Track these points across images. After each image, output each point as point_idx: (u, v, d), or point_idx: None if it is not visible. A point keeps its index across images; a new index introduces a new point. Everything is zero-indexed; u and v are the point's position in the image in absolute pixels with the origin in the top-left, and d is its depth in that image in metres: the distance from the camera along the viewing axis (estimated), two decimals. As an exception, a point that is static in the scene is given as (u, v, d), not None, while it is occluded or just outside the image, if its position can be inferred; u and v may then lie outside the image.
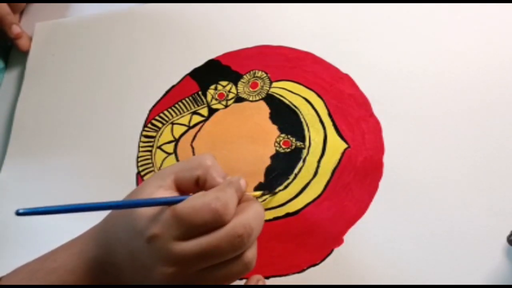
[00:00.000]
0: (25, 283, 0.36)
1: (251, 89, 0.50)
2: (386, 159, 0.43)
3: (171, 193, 0.33)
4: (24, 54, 0.61)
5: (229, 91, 0.50)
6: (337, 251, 0.40)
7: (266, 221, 0.43)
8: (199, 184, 0.34)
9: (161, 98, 0.52)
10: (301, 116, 0.47)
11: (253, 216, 0.33)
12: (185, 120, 0.50)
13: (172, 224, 0.31)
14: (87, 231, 0.38)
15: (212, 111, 0.49)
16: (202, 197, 0.32)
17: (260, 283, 0.39)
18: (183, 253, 0.31)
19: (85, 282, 0.35)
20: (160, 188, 0.33)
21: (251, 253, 0.33)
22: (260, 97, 0.49)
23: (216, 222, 0.31)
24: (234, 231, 0.31)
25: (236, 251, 0.32)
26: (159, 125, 0.50)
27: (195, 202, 0.31)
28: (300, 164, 0.44)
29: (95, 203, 0.31)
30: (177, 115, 0.50)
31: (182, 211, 0.31)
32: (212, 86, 0.51)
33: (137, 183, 0.48)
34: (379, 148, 0.43)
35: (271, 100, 0.48)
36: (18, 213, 0.29)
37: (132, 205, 0.32)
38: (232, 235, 0.31)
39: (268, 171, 0.45)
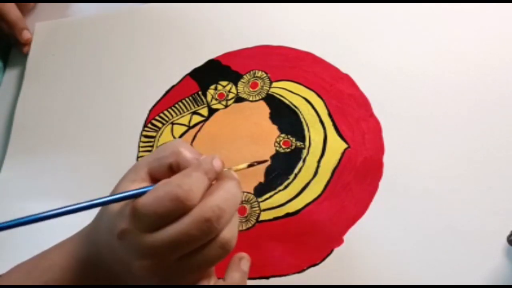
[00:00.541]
0: (21, 283, 0.36)
1: (251, 89, 0.50)
2: (386, 159, 0.43)
3: (145, 186, 0.33)
4: (24, 54, 0.61)
5: (229, 91, 0.50)
6: (337, 251, 0.40)
7: (266, 221, 0.43)
8: (174, 170, 0.33)
9: (161, 98, 0.52)
10: (301, 116, 0.47)
11: (223, 197, 0.31)
12: (185, 120, 0.50)
13: (137, 217, 0.31)
14: (80, 230, 0.38)
15: (212, 111, 0.49)
16: (164, 186, 0.31)
17: (244, 261, 0.38)
18: (154, 245, 0.30)
19: (80, 280, 0.35)
20: (134, 182, 0.33)
21: (228, 234, 0.32)
22: (260, 97, 0.49)
23: (180, 209, 0.30)
24: (200, 216, 0.30)
25: (208, 235, 0.31)
26: (159, 125, 0.50)
27: (157, 193, 0.31)
28: (300, 164, 0.44)
29: (63, 207, 0.32)
30: (177, 115, 0.50)
31: (145, 203, 0.30)
32: (212, 86, 0.51)
33: (137, 183, 0.48)
34: (379, 148, 0.43)
35: (271, 100, 0.48)
36: None
37: (99, 204, 0.32)
38: (199, 220, 0.30)
39: (268, 171, 0.45)
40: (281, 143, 0.46)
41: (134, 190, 0.32)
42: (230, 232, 0.32)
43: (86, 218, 0.42)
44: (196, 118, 0.49)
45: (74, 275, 0.35)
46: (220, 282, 0.36)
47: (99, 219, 0.35)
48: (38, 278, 0.36)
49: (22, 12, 0.61)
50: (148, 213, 0.30)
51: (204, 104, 0.50)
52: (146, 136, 0.50)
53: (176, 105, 0.51)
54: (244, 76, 0.50)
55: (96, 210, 0.35)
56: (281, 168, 0.45)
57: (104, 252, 0.34)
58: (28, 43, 0.60)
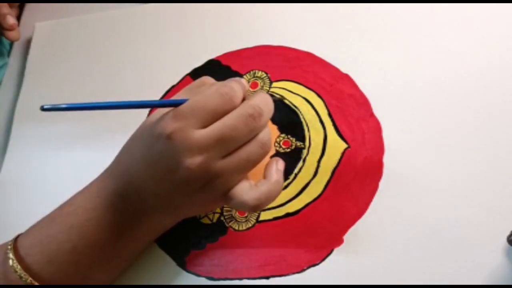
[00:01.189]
0: (45, 231, 0.37)
1: (251, 89, 0.50)
2: (386, 159, 0.43)
3: None
4: (24, 54, 0.61)
5: (229, 91, 0.50)
6: (337, 251, 0.40)
7: (266, 221, 0.43)
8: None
9: (161, 98, 0.52)
10: (301, 116, 0.47)
11: (260, 99, 0.35)
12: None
13: (188, 115, 0.33)
14: (100, 174, 0.39)
15: (212, 111, 0.49)
16: (210, 86, 0.35)
17: (280, 162, 0.40)
18: (205, 139, 0.33)
19: (105, 219, 0.36)
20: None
21: (265, 134, 0.35)
22: (260, 97, 0.49)
23: (226, 104, 0.34)
24: (245, 111, 0.34)
25: (251, 131, 0.34)
26: (159, 125, 0.50)
27: (205, 92, 0.34)
28: (300, 164, 0.44)
29: (114, 102, 0.35)
30: (177, 115, 0.50)
31: (195, 100, 0.33)
32: (212, 86, 0.51)
33: (137, 183, 0.48)
34: (379, 148, 0.43)
35: (271, 100, 0.48)
36: (43, 109, 0.35)
37: (149, 104, 0.36)
38: (243, 114, 0.34)
39: (268, 171, 0.45)
40: (281, 143, 0.46)
41: (178, 99, 0.35)
42: (267, 134, 0.36)
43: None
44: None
45: (99, 215, 0.36)
46: (261, 182, 0.37)
47: (126, 151, 0.38)
48: (61, 224, 0.36)
49: (10, 6, 0.60)
50: (200, 109, 0.33)
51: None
52: (146, 136, 0.50)
53: (176, 105, 0.51)
54: (244, 76, 0.50)
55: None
56: (281, 168, 0.45)
57: (140, 173, 0.35)
58: (13, 29, 0.60)
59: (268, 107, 0.36)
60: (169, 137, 0.33)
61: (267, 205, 0.36)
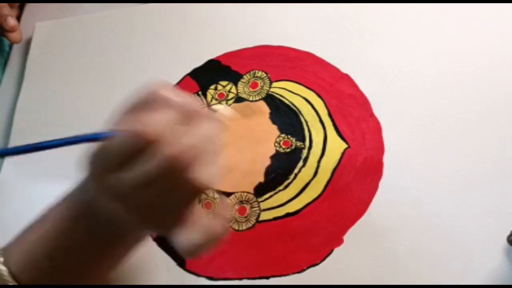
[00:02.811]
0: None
1: (251, 89, 0.50)
2: (386, 159, 0.43)
3: None
4: (24, 54, 0.61)
5: (229, 91, 0.50)
6: (337, 251, 0.40)
7: (266, 221, 0.43)
8: None
9: (161, 98, 0.52)
10: (301, 116, 0.47)
11: (195, 134, 0.29)
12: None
13: (99, 156, 0.30)
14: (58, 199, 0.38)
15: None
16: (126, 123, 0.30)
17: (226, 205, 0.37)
18: (122, 185, 0.29)
19: (75, 239, 0.34)
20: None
21: (203, 174, 0.29)
22: (260, 97, 0.49)
23: (142, 146, 0.28)
24: (167, 154, 0.27)
25: (178, 175, 0.28)
26: (159, 125, 0.50)
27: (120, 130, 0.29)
28: (300, 164, 0.44)
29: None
30: (177, 115, 0.50)
31: (106, 142, 0.29)
32: (212, 86, 0.51)
33: (137, 183, 0.48)
34: (379, 148, 0.43)
35: (271, 100, 0.48)
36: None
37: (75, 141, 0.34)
38: (164, 159, 0.27)
39: (268, 171, 0.45)
40: (281, 143, 0.46)
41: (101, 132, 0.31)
42: (205, 172, 0.29)
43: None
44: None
45: (69, 236, 0.34)
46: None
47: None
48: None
49: (10, 6, 0.60)
50: (110, 150, 0.29)
51: (204, 104, 0.50)
52: (146, 136, 0.50)
53: (176, 105, 0.51)
54: (244, 76, 0.50)
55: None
56: (281, 168, 0.45)
57: (89, 199, 0.33)
58: (14, 30, 0.59)
59: (207, 142, 0.29)
60: (90, 179, 0.32)
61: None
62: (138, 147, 0.28)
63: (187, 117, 0.30)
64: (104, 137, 0.30)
